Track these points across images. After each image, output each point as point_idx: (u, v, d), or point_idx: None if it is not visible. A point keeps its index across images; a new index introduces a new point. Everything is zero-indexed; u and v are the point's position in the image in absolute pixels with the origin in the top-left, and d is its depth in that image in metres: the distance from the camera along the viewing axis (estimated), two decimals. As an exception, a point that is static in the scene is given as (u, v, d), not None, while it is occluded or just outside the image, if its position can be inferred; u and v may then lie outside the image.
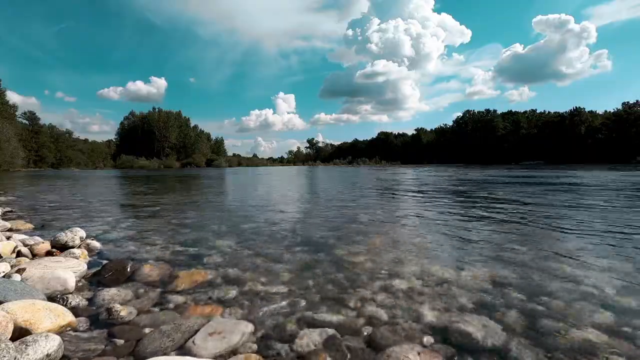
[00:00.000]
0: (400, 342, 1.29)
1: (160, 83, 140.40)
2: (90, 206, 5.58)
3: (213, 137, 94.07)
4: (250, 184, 12.71)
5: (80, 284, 1.88)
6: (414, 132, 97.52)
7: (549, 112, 70.32)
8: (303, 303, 1.64)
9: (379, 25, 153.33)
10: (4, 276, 1.75)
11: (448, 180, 12.47)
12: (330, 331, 1.37)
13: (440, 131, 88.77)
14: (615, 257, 2.35)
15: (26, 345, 1.10)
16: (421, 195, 7.09)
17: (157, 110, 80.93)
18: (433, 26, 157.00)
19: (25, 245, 2.50)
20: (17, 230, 3.26)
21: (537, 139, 64.82)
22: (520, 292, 1.75)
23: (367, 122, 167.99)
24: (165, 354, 1.21)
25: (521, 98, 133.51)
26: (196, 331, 1.35)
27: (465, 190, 8.22)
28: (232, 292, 1.77)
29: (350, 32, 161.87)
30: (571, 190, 7.52)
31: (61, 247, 2.50)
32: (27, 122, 58.74)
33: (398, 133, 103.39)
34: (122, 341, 1.30)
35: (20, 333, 1.21)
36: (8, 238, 2.65)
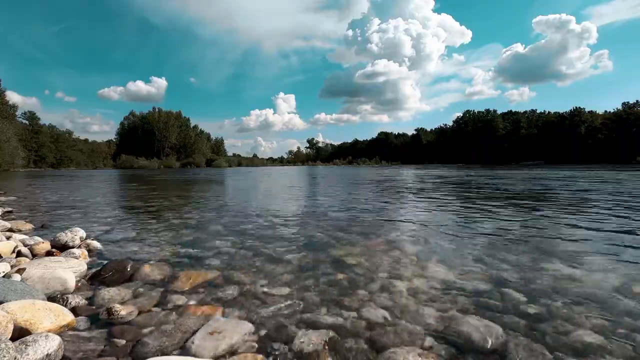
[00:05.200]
0: (400, 344, 1.28)
1: (161, 83, 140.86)
2: (90, 206, 5.58)
3: (213, 137, 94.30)
4: (251, 184, 12.71)
5: (80, 284, 1.88)
6: (414, 132, 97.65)
7: (549, 112, 70.33)
8: (303, 304, 1.64)
9: (379, 25, 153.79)
10: (4, 276, 1.75)
11: (448, 180, 12.47)
12: (331, 332, 1.37)
13: (440, 131, 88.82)
14: (616, 257, 2.35)
15: (26, 345, 1.10)
16: (421, 195, 7.09)
17: (157, 110, 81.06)
18: (433, 26, 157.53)
19: (25, 245, 2.50)
20: (17, 230, 3.26)
21: (537, 139, 64.84)
22: (520, 293, 1.74)
23: (367, 122, 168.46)
24: (165, 354, 1.21)
25: (521, 98, 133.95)
26: (196, 331, 1.35)
27: (466, 190, 8.22)
28: (232, 293, 1.77)
29: (350, 32, 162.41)
30: (571, 190, 7.52)
31: (61, 247, 2.50)
32: (27, 122, 58.77)
33: (398, 133, 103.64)
34: (122, 341, 1.30)
35: (20, 333, 1.21)
36: (8, 238, 2.65)
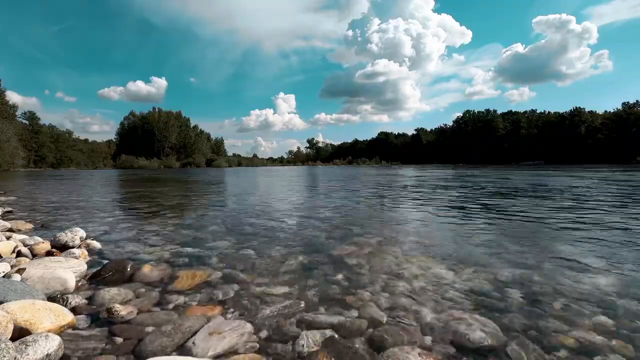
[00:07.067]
0: (400, 343, 1.28)
1: (161, 83, 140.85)
2: (90, 206, 5.58)
3: (213, 137, 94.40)
4: (251, 183, 12.70)
5: (81, 284, 1.88)
6: (414, 132, 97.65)
7: (549, 112, 70.32)
8: (303, 304, 1.64)
9: (379, 25, 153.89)
10: (4, 276, 1.75)
11: (449, 180, 12.47)
12: (331, 332, 1.37)
13: (440, 131, 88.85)
14: (616, 258, 2.35)
15: (26, 345, 1.10)
16: (421, 194, 7.09)
17: (157, 110, 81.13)
18: (433, 26, 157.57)
19: (25, 245, 2.50)
20: (17, 230, 3.26)
21: (537, 139, 64.83)
22: (521, 292, 1.75)
23: (367, 122, 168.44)
24: (165, 354, 1.21)
25: (521, 98, 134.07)
26: (196, 331, 1.35)
27: (465, 190, 8.21)
28: (232, 293, 1.77)
29: (350, 32, 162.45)
30: (572, 190, 7.52)
31: (61, 247, 2.50)
32: (27, 122, 58.81)
33: (398, 133, 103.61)
34: (122, 341, 1.30)
35: (20, 333, 1.21)
36: (8, 238, 2.65)
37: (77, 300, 1.63)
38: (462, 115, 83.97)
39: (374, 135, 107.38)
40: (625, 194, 6.52)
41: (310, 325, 1.43)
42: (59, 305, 1.46)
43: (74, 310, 1.53)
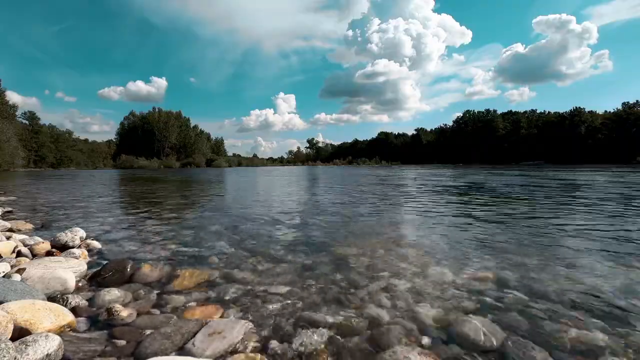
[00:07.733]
0: (400, 343, 1.28)
1: (161, 83, 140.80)
2: (90, 206, 5.58)
3: (213, 137, 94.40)
4: (250, 184, 12.70)
5: (81, 284, 1.88)
6: (414, 132, 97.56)
7: (549, 112, 70.30)
8: (303, 303, 1.64)
9: (379, 25, 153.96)
10: (4, 276, 1.75)
11: (449, 180, 12.46)
12: (331, 332, 1.37)
13: (440, 131, 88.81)
14: (616, 258, 2.34)
15: (26, 345, 1.10)
16: (421, 195, 7.08)
17: (157, 110, 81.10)
18: (434, 26, 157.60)
19: (25, 245, 2.50)
20: (17, 230, 3.26)
21: (537, 139, 64.82)
22: (521, 293, 1.74)
23: (367, 122, 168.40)
24: (165, 355, 1.21)
25: (521, 98, 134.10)
26: (196, 332, 1.34)
27: (465, 190, 8.21)
28: (232, 293, 1.77)
29: (350, 32, 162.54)
30: (571, 191, 7.51)
31: (61, 247, 2.50)
32: (27, 122, 58.80)
33: (398, 133, 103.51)
34: (122, 342, 1.30)
35: (20, 333, 1.21)
36: (8, 238, 2.65)
37: (77, 300, 1.63)
38: (462, 115, 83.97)
39: (374, 135, 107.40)
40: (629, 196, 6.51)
41: (311, 325, 1.43)
42: (59, 305, 1.46)
43: (74, 310, 1.53)
